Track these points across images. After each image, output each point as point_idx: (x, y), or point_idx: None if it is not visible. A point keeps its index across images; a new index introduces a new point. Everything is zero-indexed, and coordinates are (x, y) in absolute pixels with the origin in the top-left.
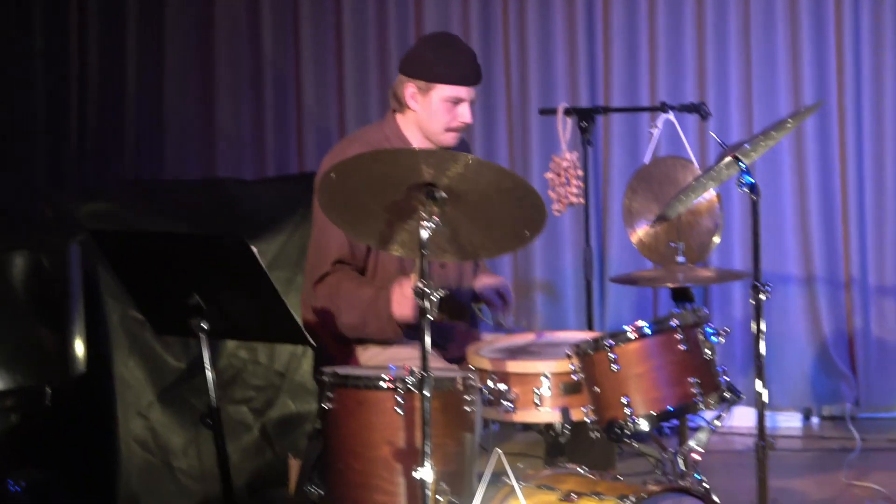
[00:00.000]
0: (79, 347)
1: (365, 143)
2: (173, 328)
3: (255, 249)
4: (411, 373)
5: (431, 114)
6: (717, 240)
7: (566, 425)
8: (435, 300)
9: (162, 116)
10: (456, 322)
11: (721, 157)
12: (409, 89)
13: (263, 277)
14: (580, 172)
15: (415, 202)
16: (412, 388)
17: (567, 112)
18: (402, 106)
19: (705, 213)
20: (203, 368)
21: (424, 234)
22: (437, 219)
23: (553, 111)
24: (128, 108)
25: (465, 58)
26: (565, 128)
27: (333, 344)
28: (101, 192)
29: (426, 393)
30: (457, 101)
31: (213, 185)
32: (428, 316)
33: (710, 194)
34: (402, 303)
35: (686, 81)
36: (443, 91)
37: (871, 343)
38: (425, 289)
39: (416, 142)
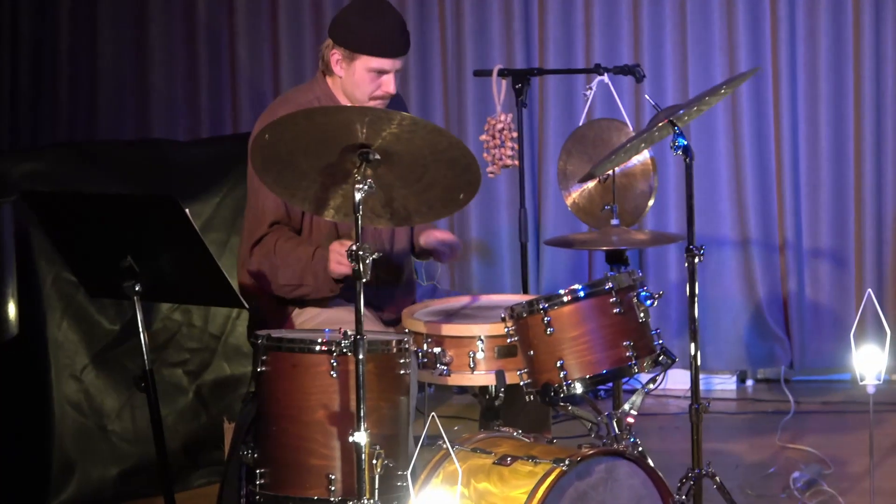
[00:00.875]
0: (11, 309)
1: (296, 104)
2: (107, 291)
3: (187, 210)
4: (345, 336)
5: (355, 82)
6: (651, 203)
7: (501, 388)
8: (369, 263)
9: (95, 76)
10: (390, 284)
11: (655, 120)
12: (335, 55)
13: (196, 239)
14: (515, 134)
15: (349, 164)
16: (346, 351)
17: (502, 73)
18: (328, 68)
19: (640, 176)
20: (137, 331)
21: (358, 196)
22: (371, 181)
23: (488, 73)
24: (60, 68)
25: (392, 27)
26: (500, 89)
27: (269, 307)
28: (35, 152)
29: (360, 356)
30: (381, 73)
31: (148, 145)
32: (363, 278)
33: (644, 157)
34: (341, 261)
35: (621, 43)
36: (367, 62)
37: (805, 306)
38: (360, 251)
39: (345, 103)
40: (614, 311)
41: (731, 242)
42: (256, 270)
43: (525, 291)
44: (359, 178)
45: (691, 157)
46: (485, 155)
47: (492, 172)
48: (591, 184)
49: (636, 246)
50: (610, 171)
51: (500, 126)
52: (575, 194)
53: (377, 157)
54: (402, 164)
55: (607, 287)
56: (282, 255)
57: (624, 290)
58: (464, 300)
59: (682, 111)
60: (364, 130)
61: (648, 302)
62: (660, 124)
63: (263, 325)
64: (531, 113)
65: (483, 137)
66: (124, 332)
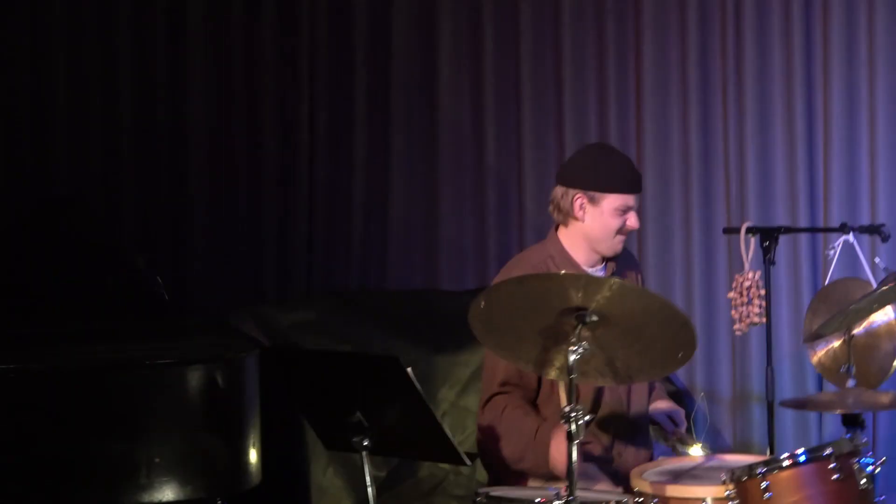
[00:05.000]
0: (253, 458)
1: (528, 265)
2: (340, 444)
3: (409, 370)
4: (557, 496)
5: (602, 224)
6: None
7: None
8: (582, 424)
9: (386, 225)
10: (627, 442)
11: (883, 283)
12: (578, 200)
13: (419, 398)
14: (762, 291)
15: (567, 326)
16: None
17: (750, 231)
18: (566, 218)
19: (884, 336)
20: (403, 478)
21: (572, 357)
22: (586, 343)
23: (736, 230)
24: (354, 218)
25: (628, 165)
26: (748, 247)
27: (504, 463)
28: (301, 302)
29: None
30: (626, 210)
31: (412, 295)
32: (576, 440)
33: (889, 317)
34: (560, 450)
35: (860, 202)
36: (613, 201)
37: None
38: (572, 412)
39: (582, 255)
40: (833, 477)
41: None
42: (486, 426)
43: (771, 451)
44: (573, 340)
45: None
46: (732, 312)
47: (739, 329)
48: (836, 343)
49: (874, 409)
50: (852, 331)
51: (747, 283)
52: (820, 353)
53: (594, 318)
54: (620, 324)
55: (826, 453)
56: (507, 423)
57: (845, 457)
58: (698, 459)
59: None
60: (580, 294)
61: (870, 469)
62: (885, 287)
63: (500, 480)
64: (778, 269)
65: (731, 295)
66: (391, 479)
